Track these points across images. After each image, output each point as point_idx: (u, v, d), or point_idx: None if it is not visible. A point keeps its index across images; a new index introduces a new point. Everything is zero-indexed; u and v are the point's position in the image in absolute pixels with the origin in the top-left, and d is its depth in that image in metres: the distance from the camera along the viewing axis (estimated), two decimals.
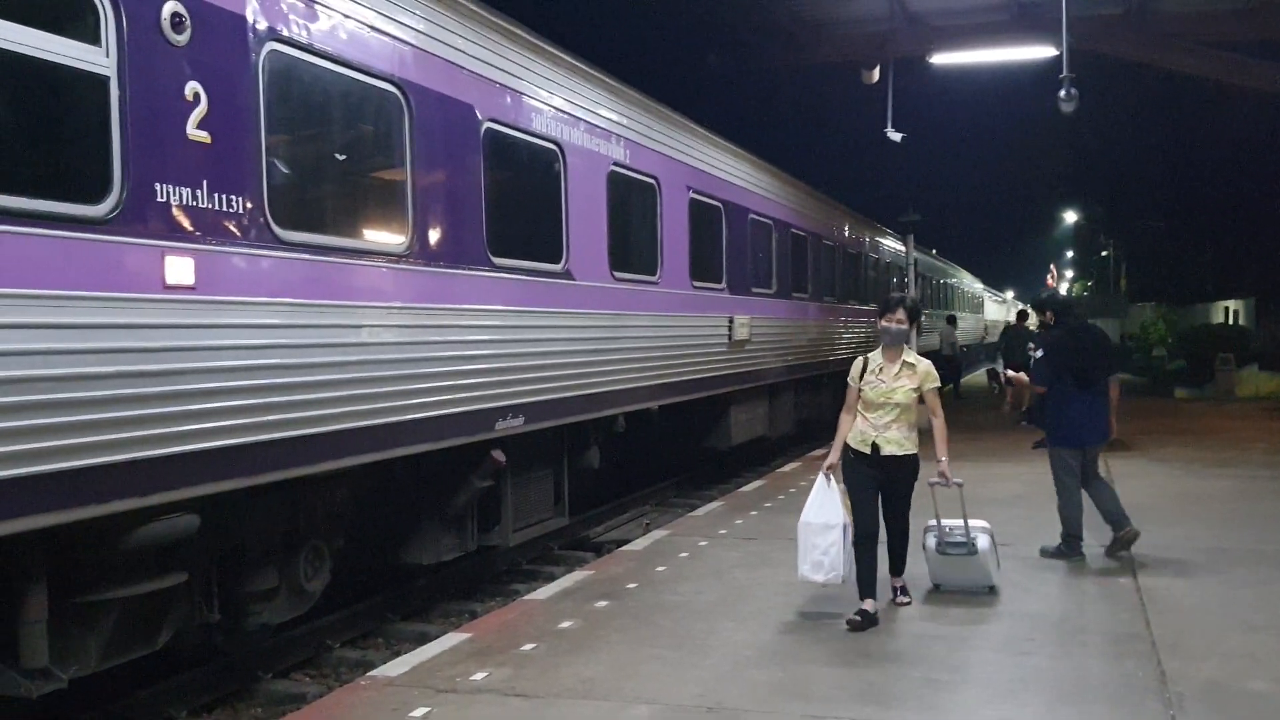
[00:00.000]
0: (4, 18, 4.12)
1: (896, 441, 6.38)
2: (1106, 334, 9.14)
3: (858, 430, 6.48)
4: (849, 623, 6.19)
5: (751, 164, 13.84)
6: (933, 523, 6.98)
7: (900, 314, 6.53)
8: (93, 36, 4.49)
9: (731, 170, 12.92)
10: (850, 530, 6.35)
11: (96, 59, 4.49)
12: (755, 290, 13.62)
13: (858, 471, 6.47)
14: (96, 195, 4.50)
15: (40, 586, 4.55)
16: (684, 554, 8.34)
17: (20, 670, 4.59)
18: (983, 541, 6.87)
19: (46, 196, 4.29)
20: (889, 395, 6.37)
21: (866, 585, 6.37)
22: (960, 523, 6.90)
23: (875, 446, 6.39)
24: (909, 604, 6.67)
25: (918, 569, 6.98)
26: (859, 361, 6.63)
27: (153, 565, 5.07)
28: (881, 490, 6.50)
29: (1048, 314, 8.59)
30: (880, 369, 6.49)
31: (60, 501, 4.28)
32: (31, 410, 4.17)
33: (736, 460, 14.66)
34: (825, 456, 6.69)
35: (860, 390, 6.50)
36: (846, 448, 6.53)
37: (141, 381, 4.63)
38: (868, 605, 6.29)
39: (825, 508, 6.37)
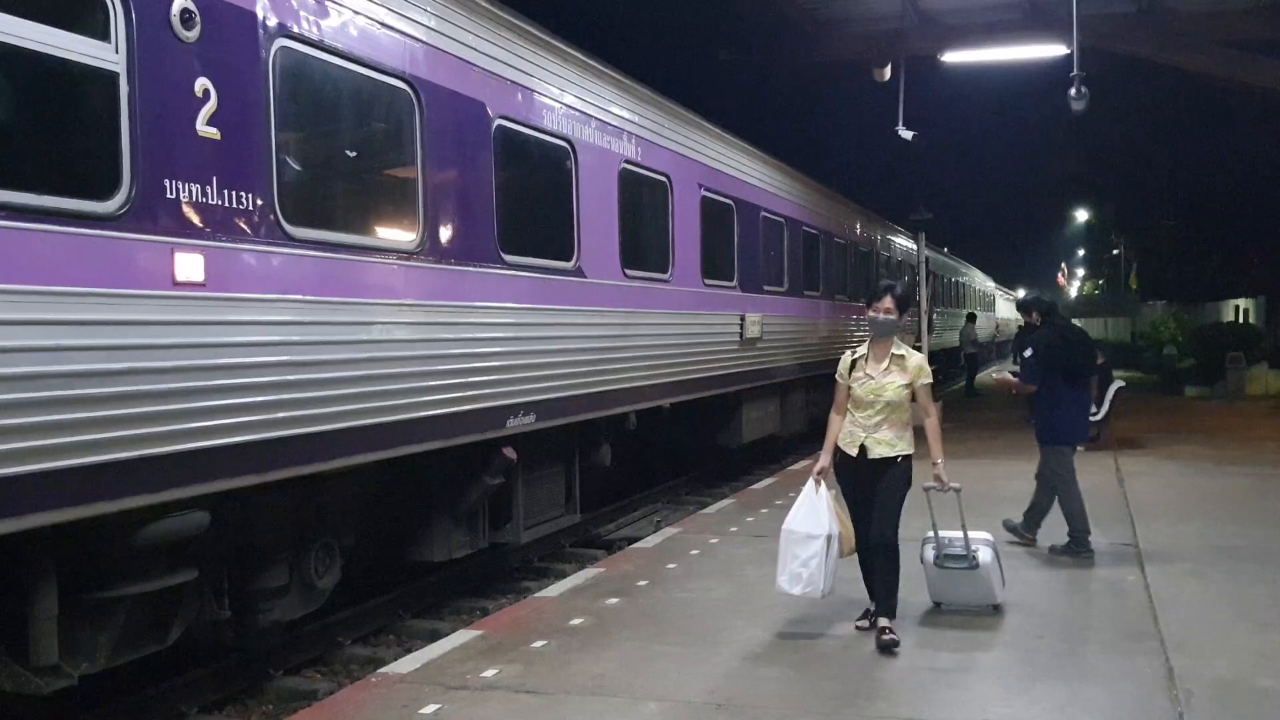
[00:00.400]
0: (13, 13, 4.13)
1: (888, 442, 5.91)
2: (1089, 334, 9.31)
3: (847, 430, 6.03)
4: (858, 626, 6.11)
5: (763, 162, 13.82)
6: (930, 534, 6.46)
7: (887, 302, 6.01)
8: (102, 32, 4.49)
9: (743, 168, 12.90)
10: (835, 543, 5.95)
11: (106, 55, 4.49)
12: (767, 288, 13.60)
13: (848, 477, 6.08)
14: (106, 191, 4.50)
15: (50, 583, 4.55)
16: (695, 551, 8.34)
17: (31, 667, 4.59)
18: (985, 554, 6.35)
19: (56, 193, 4.29)
20: (878, 392, 5.91)
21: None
22: (960, 534, 6.38)
23: (864, 448, 5.94)
24: (897, 646, 5.74)
25: (914, 593, 6.42)
26: (847, 356, 6.16)
27: (163, 562, 5.07)
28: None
29: (1034, 315, 8.64)
30: (869, 363, 6.04)
31: (70, 498, 4.29)
32: (41, 407, 4.17)
33: (748, 458, 14.64)
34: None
35: (849, 387, 6.06)
36: (837, 450, 6.09)
37: (151, 378, 4.63)
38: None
39: (811, 516, 5.99)
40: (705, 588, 7.18)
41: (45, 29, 4.25)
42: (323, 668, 6.81)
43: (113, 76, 4.52)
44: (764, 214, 13.57)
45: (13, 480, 4.06)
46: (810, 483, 6.08)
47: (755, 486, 12.05)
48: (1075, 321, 11.06)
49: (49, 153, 4.48)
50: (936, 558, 6.43)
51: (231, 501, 5.34)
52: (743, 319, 12.46)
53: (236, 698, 6.21)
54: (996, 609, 6.45)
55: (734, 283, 12.36)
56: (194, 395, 4.83)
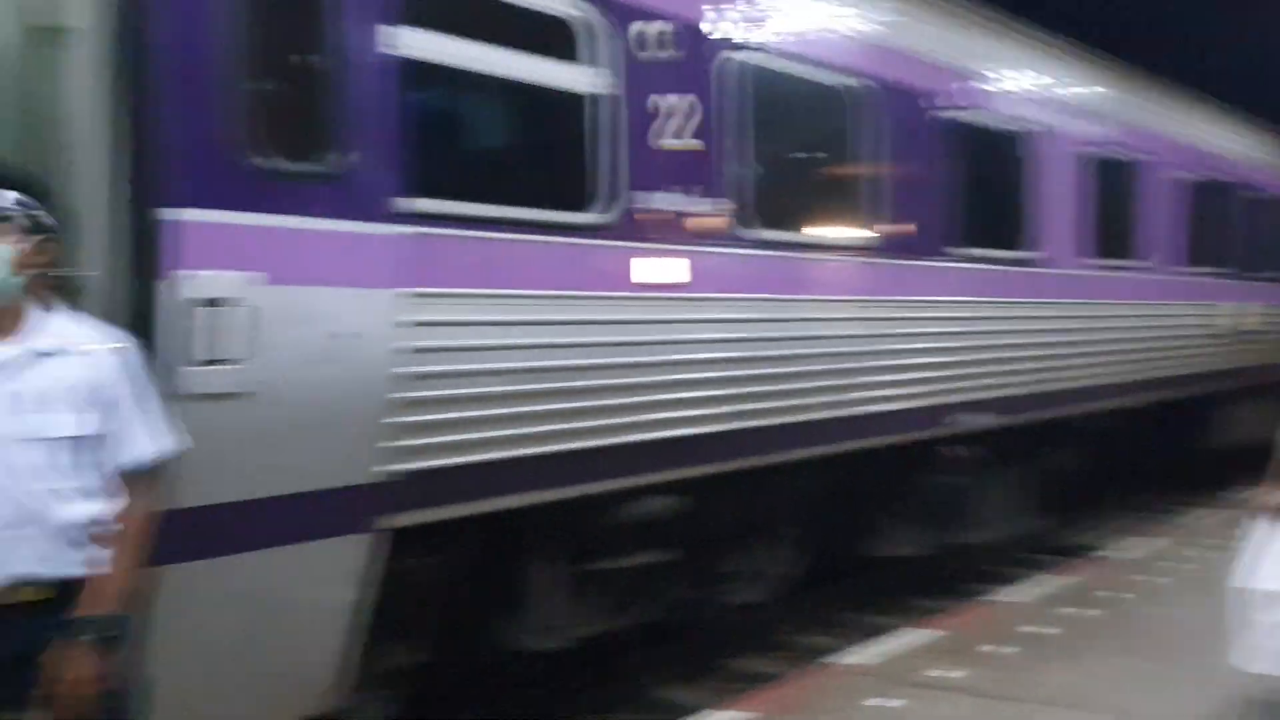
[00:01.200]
0: (541, 55, 4.73)
1: None
2: None
3: None
4: None
5: (1257, 136, 12.34)
6: None
7: None
8: (603, 62, 4.95)
9: (1233, 146, 11.59)
10: None
11: (598, 81, 4.94)
12: (1263, 275, 12.19)
13: None
14: (605, 205, 4.98)
15: (553, 555, 5.07)
16: (1183, 565, 7.62)
17: (530, 628, 5.13)
18: None
19: (572, 209, 4.87)
20: None
21: None
22: None
23: None
24: None
25: None
26: None
27: (640, 542, 5.45)
28: None
29: None
30: None
31: (568, 478, 4.77)
32: (558, 396, 4.65)
33: (1233, 466, 13.05)
34: None
35: None
36: None
37: (639, 372, 5.04)
38: None
39: (1275, 568, 4.38)
40: (1195, 604, 6.50)
41: (560, 65, 4.81)
42: (778, 653, 6.94)
43: (607, 100, 4.97)
44: (1251, 195, 12.10)
45: (527, 461, 4.56)
46: (1263, 523, 4.53)
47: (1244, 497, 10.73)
48: None
49: (559, 173, 5.05)
50: None
51: (697, 489, 5.64)
52: (1234, 309, 11.22)
53: (692, 676, 6.41)
54: None
55: (1220, 269, 11.15)
56: (672, 388, 5.19)
